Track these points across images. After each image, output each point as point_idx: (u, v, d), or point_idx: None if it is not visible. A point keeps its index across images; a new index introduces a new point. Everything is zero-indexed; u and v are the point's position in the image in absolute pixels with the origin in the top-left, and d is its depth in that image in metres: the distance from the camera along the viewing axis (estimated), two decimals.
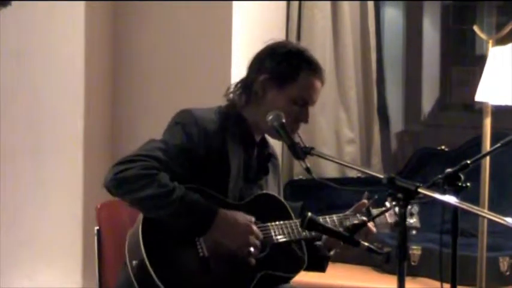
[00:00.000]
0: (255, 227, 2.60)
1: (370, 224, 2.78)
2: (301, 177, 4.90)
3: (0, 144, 3.82)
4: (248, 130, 2.78)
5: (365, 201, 2.86)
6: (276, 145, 4.76)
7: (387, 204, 2.93)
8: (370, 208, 2.88)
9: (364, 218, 2.80)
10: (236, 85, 2.81)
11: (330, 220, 2.80)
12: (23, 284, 3.95)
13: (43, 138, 4.09)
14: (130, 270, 2.53)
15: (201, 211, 2.54)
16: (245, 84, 2.78)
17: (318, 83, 2.78)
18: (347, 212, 2.86)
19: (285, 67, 2.73)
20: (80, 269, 4.30)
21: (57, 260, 4.18)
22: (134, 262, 2.52)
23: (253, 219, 2.62)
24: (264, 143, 2.88)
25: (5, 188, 3.85)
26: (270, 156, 2.91)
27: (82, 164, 4.31)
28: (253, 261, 2.58)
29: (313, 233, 2.70)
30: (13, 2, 3.71)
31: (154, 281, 2.46)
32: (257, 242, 2.59)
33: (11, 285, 3.88)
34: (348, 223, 2.78)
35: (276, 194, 2.88)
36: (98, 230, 2.90)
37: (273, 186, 2.90)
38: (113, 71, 4.60)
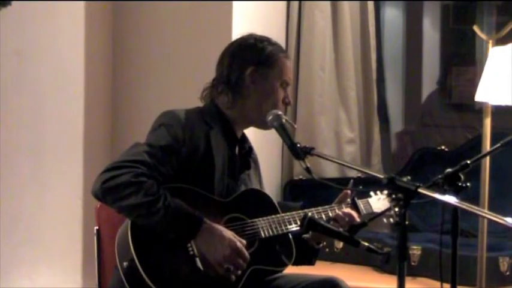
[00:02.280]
0: (239, 244, 2.59)
1: (353, 213, 2.87)
2: (301, 177, 4.90)
3: (0, 144, 3.82)
4: (231, 127, 2.83)
5: (348, 191, 2.92)
6: (276, 144, 4.76)
7: (371, 194, 3.02)
8: (356, 199, 2.94)
9: (350, 210, 2.87)
10: (213, 85, 2.85)
11: (316, 212, 2.85)
12: (23, 284, 3.95)
13: (43, 138, 4.09)
14: (121, 272, 2.53)
15: (185, 221, 2.55)
16: (228, 82, 2.80)
17: (290, 63, 2.91)
18: (332, 204, 2.92)
19: (265, 55, 2.81)
20: (80, 269, 4.30)
21: (57, 260, 4.18)
22: (125, 263, 2.52)
23: (244, 241, 2.62)
24: (244, 138, 2.93)
25: (5, 188, 3.85)
26: (251, 150, 2.95)
27: (82, 164, 4.32)
28: (232, 277, 2.58)
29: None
30: (13, 2, 3.71)
31: (145, 281, 2.47)
32: (239, 261, 2.58)
33: (11, 285, 3.88)
34: (332, 214, 2.85)
35: (261, 189, 2.92)
36: (97, 230, 2.90)
37: (255, 180, 2.95)
38: (113, 71, 4.61)
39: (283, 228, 2.74)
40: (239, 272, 2.58)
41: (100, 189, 2.54)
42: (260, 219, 2.73)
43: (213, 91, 2.84)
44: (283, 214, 2.78)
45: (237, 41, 2.88)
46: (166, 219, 2.52)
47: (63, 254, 4.23)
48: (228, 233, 2.59)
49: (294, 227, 2.75)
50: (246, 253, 2.59)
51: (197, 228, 2.55)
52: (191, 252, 2.55)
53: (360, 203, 2.95)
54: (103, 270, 2.88)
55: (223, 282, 2.57)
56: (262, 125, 2.78)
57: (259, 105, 2.78)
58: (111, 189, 2.53)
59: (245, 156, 2.90)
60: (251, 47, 2.83)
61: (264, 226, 2.72)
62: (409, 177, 2.29)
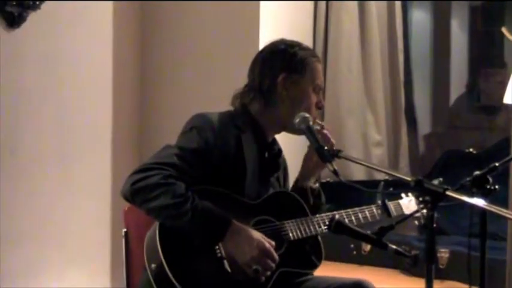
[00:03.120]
0: (268, 245, 2.58)
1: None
2: (328, 179, 4.89)
3: (29, 148, 3.84)
4: (262, 132, 2.83)
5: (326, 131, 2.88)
6: (303, 147, 4.76)
7: (402, 195, 3.02)
8: (386, 201, 2.94)
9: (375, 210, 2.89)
10: (245, 92, 2.84)
11: (345, 214, 2.86)
12: (52, 285, 3.97)
13: (72, 141, 4.11)
14: (149, 273, 2.54)
15: (213, 222, 2.55)
16: (260, 88, 2.80)
17: (321, 66, 2.90)
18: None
19: (296, 61, 2.80)
20: (109, 271, 4.32)
21: (86, 262, 4.21)
22: (153, 266, 2.53)
23: (273, 242, 2.61)
24: (274, 141, 2.93)
25: (34, 191, 3.88)
26: (280, 152, 2.95)
27: (110, 167, 4.34)
28: (262, 278, 2.57)
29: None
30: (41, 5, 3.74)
31: (174, 284, 2.48)
32: (268, 262, 2.57)
33: (41, 286, 3.91)
34: (361, 215, 2.88)
35: (290, 191, 2.91)
36: (125, 233, 2.91)
37: (283, 182, 2.96)
38: (141, 73, 4.63)
39: (312, 230, 2.74)
40: (268, 273, 2.58)
41: (129, 190, 2.56)
42: (289, 221, 2.73)
43: (244, 97, 2.83)
44: (312, 216, 2.78)
45: (267, 46, 2.87)
46: (194, 220, 2.52)
47: (92, 256, 4.25)
48: (257, 234, 2.59)
49: (323, 229, 2.75)
50: (275, 254, 2.59)
51: (225, 230, 2.55)
52: (219, 255, 2.55)
53: (391, 205, 2.94)
54: (131, 272, 2.90)
55: (252, 284, 2.57)
56: (295, 130, 2.77)
57: (291, 111, 2.76)
58: (140, 190, 2.54)
59: (275, 158, 2.90)
60: (281, 52, 2.82)
61: (293, 228, 2.72)
62: (441, 179, 2.28)
